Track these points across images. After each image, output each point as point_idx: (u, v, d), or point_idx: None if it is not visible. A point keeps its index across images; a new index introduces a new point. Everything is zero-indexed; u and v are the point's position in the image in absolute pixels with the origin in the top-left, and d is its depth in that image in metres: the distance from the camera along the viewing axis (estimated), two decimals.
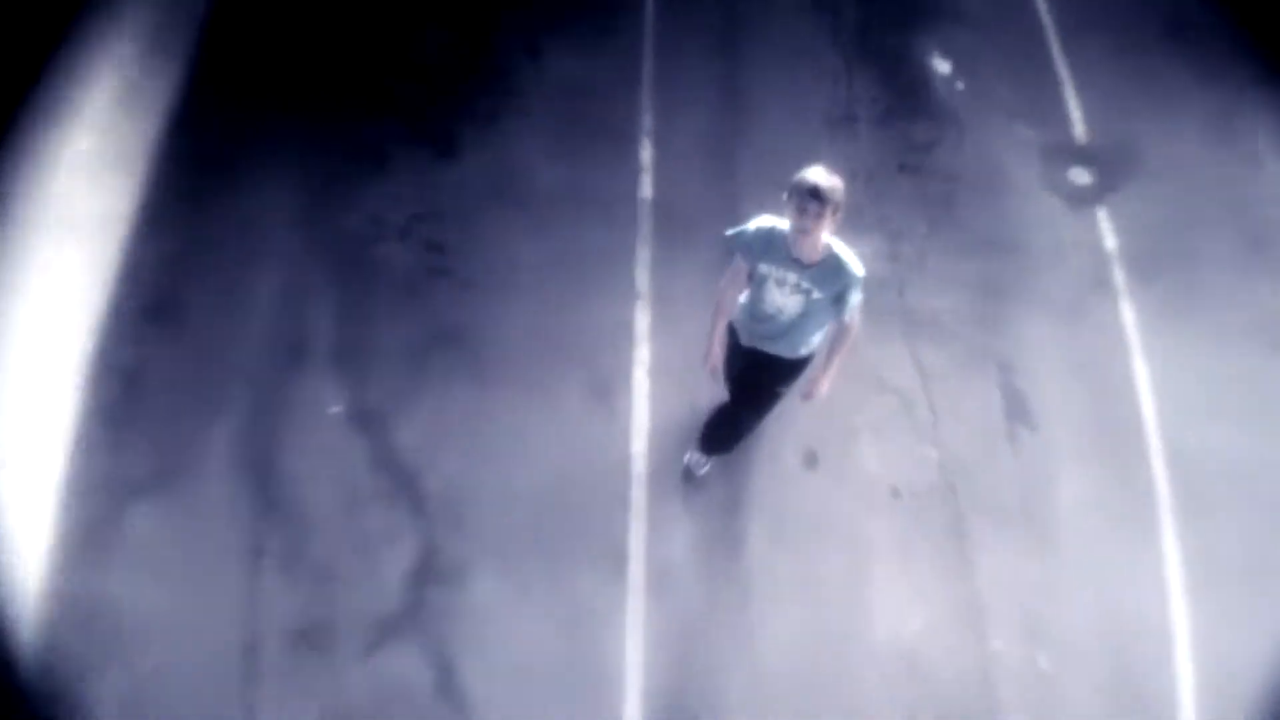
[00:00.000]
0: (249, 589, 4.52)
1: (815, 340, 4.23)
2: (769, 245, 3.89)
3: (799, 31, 6.58)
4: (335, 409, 4.97)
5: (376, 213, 5.62)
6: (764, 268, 3.93)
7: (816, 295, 3.90)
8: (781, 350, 4.23)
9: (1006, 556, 4.78)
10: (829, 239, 3.82)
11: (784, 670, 4.46)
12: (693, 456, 4.90)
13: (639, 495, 4.84)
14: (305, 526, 4.70)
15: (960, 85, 6.36)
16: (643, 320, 5.33)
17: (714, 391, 4.78)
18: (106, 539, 4.55)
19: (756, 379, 4.46)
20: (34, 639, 4.31)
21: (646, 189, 5.83)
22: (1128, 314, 5.51)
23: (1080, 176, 5.99)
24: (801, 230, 3.70)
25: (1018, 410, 5.14)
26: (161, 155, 5.62)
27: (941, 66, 6.45)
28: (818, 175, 3.66)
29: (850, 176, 5.78)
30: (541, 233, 5.58)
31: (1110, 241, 5.76)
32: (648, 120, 6.11)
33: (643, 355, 5.21)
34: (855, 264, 3.87)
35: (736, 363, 4.47)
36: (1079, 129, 6.21)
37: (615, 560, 4.68)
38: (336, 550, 4.66)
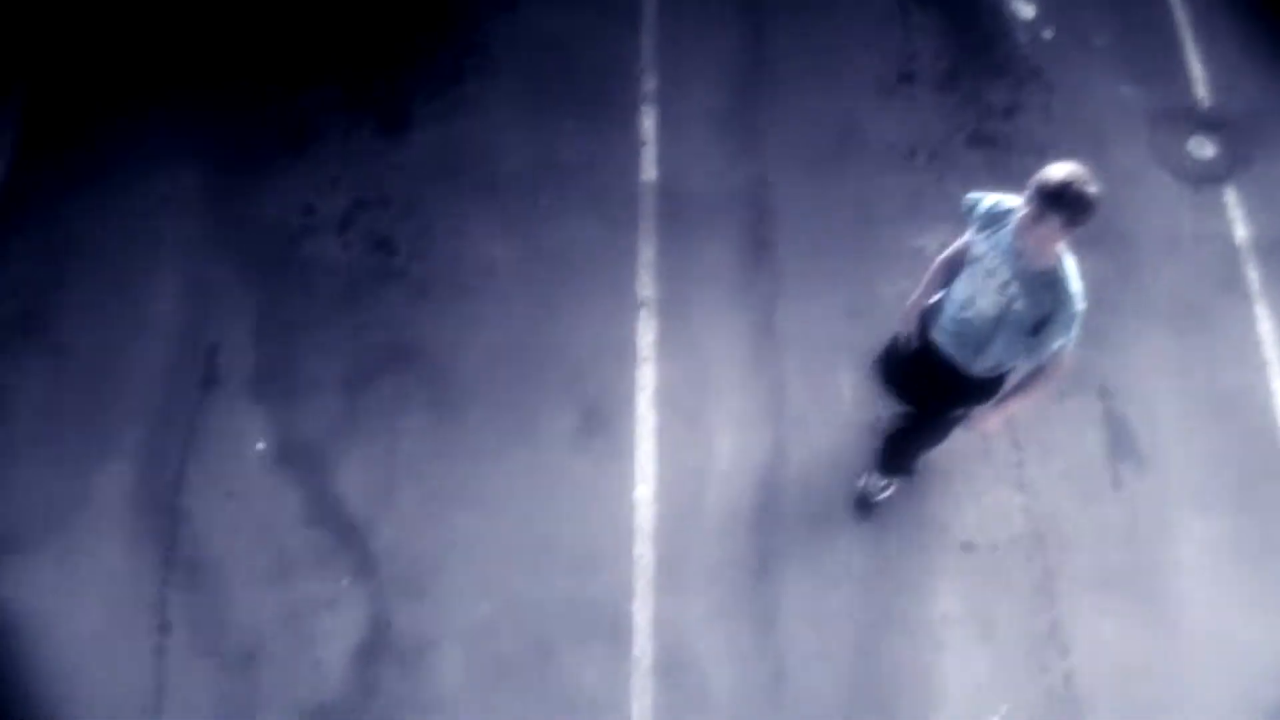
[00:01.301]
0: (153, 674, 5.15)
1: (996, 362, 4.84)
2: (998, 226, 4.52)
3: None
4: (259, 445, 5.64)
5: (307, 200, 6.36)
6: (981, 247, 4.57)
7: (1018, 307, 4.51)
8: (956, 354, 4.86)
9: (1107, 630, 5.42)
10: (1064, 252, 4.42)
11: None
12: (869, 480, 5.67)
13: (644, 553, 5.50)
14: (223, 593, 5.36)
15: (1048, 34, 7.13)
16: (646, 335, 6.03)
17: (740, 425, 5.55)
18: None
19: (926, 381, 5.10)
20: None
21: (650, 169, 6.56)
22: (1265, 323, 6.21)
23: (1202, 149, 6.74)
24: (1031, 232, 4.29)
25: (1124, 446, 5.86)
26: (26, 127, 6.40)
27: (1025, 9, 7.22)
28: (1066, 174, 4.17)
29: (908, 152, 6.72)
30: (517, 223, 6.34)
31: (1241, 231, 6.49)
32: (650, 81, 6.87)
33: (647, 378, 5.89)
34: (1077, 293, 4.44)
35: (912, 357, 5.12)
36: (1201, 90, 6.97)
37: (617, 636, 5.35)
38: (263, 623, 5.31)
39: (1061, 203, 4.14)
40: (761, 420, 5.90)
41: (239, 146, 6.54)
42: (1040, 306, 4.46)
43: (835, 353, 6.10)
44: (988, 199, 4.61)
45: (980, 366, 4.87)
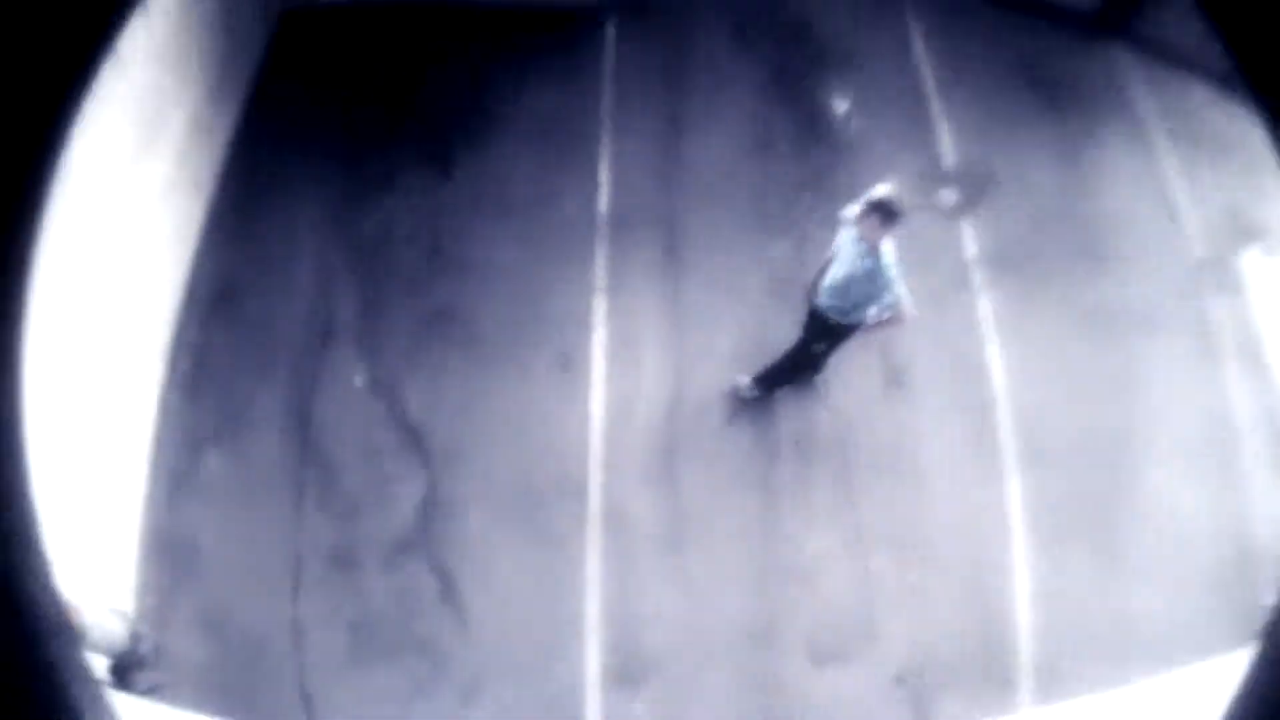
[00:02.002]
0: (294, 518, 8.10)
1: (853, 306, 7.53)
2: (852, 222, 7.30)
3: (731, 73, 10.57)
4: (358, 378, 8.59)
5: (389, 222, 9.33)
6: (845, 236, 7.40)
7: (859, 269, 7.18)
8: (829, 307, 7.70)
9: (884, 494, 8.68)
10: (887, 240, 7.10)
11: (711, 601, 8.18)
12: (744, 383, 8.73)
13: (596, 444, 8.57)
14: (336, 470, 8.30)
15: (854, 120, 10.40)
16: (599, 308, 9.11)
17: (658, 365, 8.78)
18: (186, 482, 8.11)
19: (818, 330, 8.06)
20: (126, 567, 7.77)
21: (604, 202, 9.66)
22: (985, 307, 9.53)
23: (948, 196, 10.04)
24: (861, 225, 7.10)
25: (894, 378, 9.12)
26: (223, 177, 9.27)
27: (840, 104, 10.49)
28: (885, 193, 6.99)
29: (764, 194, 10.01)
30: (518, 235, 9.35)
31: (971, 249, 9.81)
32: (605, 146, 9.99)
33: (600, 337, 8.98)
34: (889, 265, 7.10)
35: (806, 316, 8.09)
36: (949, 156, 10.26)
37: (578, 498, 8.35)
38: (361, 488, 8.25)
39: (879, 209, 6.92)
40: (673, 361, 8.95)
41: (350, 187, 9.48)
42: (866, 269, 7.18)
43: (719, 317, 9.16)
44: (849, 209, 7.32)
45: (842, 314, 7.59)
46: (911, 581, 8.36)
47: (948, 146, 10.32)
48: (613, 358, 8.94)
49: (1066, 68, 10.85)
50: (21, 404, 1.30)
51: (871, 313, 7.60)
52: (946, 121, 10.41)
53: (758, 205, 9.80)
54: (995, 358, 9.34)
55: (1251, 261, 10.40)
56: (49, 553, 1.35)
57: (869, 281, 7.30)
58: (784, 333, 8.68)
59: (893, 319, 7.57)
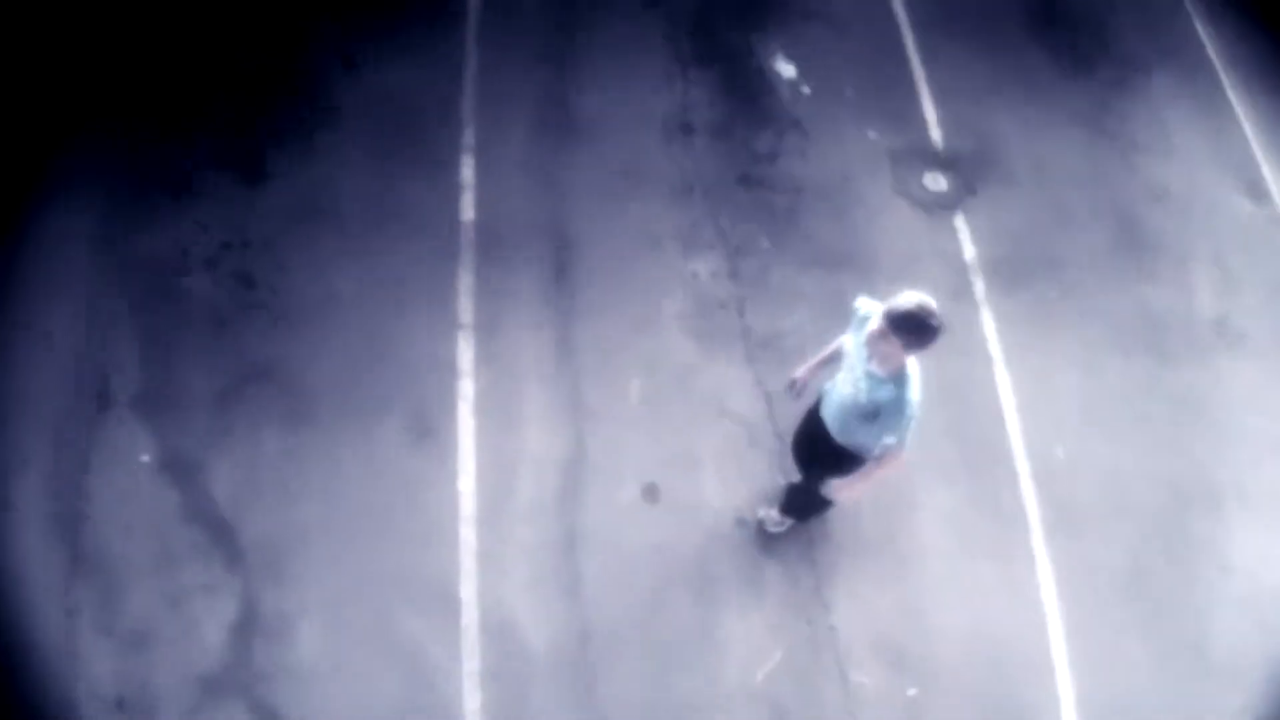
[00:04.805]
0: (64, 651, 6.06)
1: (859, 440, 5.75)
2: (863, 330, 5.44)
3: (631, 33, 8.59)
4: (144, 457, 6.59)
5: (182, 241, 7.34)
6: (851, 344, 5.56)
7: (861, 398, 5.50)
8: (830, 424, 5.85)
9: (863, 585, 6.58)
10: (910, 362, 5.35)
11: None
12: (768, 512, 6.72)
13: (468, 535, 6.53)
14: (119, 583, 6.30)
15: (806, 89, 8.38)
16: (466, 353, 7.10)
17: (545, 425, 6.71)
18: None
19: (808, 443, 6.14)
20: None
21: (468, 209, 7.68)
22: (989, 326, 7.47)
23: (936, 182, 8.03)
24: (876, 345, 5.25)
25: None
26: None
27: (786, 69, 8.49)
28: (913, 305, 5.04)
29: (685, 190, 7.91)
30: (357, 259, 7.37)
31: (969, 250, 7.75)
32: (469, 134, 8.01)
33: (467, 390, 6.95)
34: (910, 401, 5.36)
35: (805, 423, 6.19)
36: (935, 132, 8.26)
37: (448, 604, 6.35)
38: (153, 607, 6.25)
39: (904, 328, 5.02)
40: (563, 420, 6.93)
41: (126, 194, 7.47)
42: (875, 402, 5.38)
43: (624, 359, 7.18)
44: (865, 307, 5.49)
45: (846, 440, 5.79)
46: (909, 701, 6.37)
47: (932, 118, 8.37)
48: (485, 417, 6.94)
49: (1090, 8, 8.96)
50: None
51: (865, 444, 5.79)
52: (930, 84, 8.52)
53: (675, 209, 7.91)
54: (1005, 393, 7.34)
55: None
56: None
57: (873, 414, 5.54)
58: (715, 377, 6.96)
59: (886, 460, 5.69)
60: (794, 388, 6.15)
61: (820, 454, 6.03)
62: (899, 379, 5.32)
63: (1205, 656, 6.66)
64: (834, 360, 5.89)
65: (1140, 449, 7.30)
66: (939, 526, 6.87)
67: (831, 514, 6.64)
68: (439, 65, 8.38)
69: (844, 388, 5.64)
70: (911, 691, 6.37)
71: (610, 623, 6.46)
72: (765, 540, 6.76)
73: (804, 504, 6.64)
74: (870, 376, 5.38)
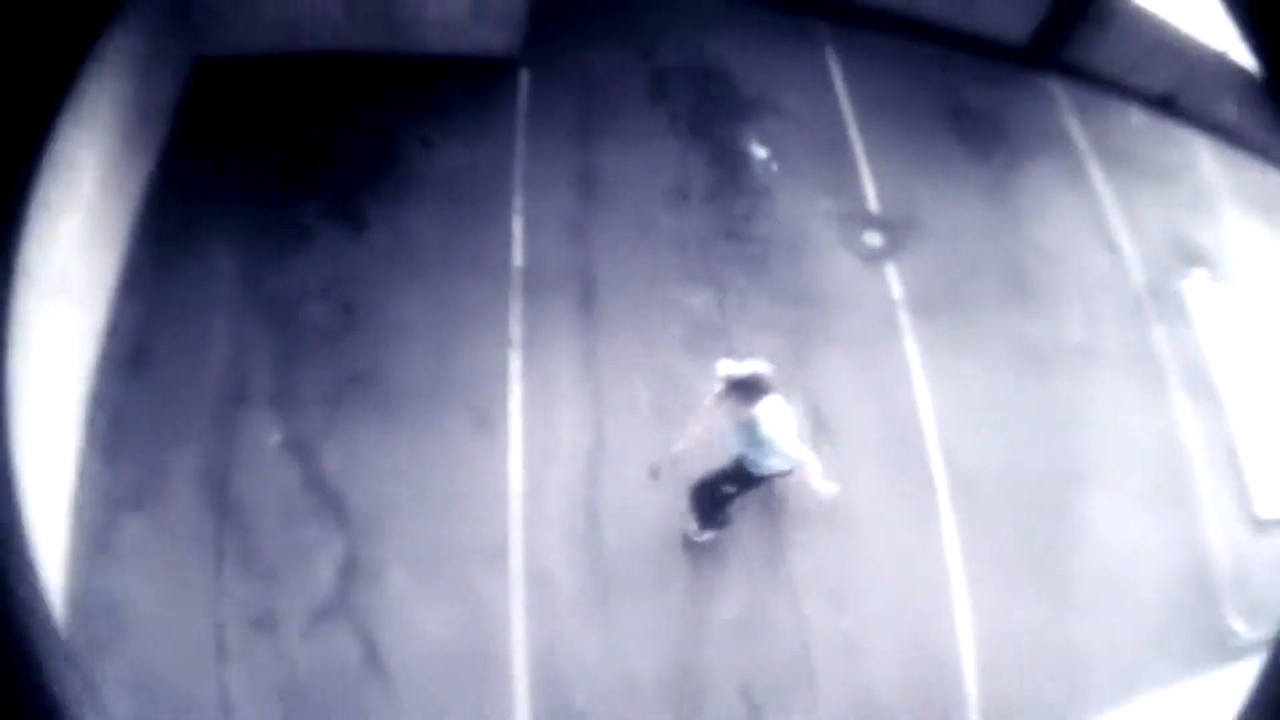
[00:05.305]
0: (215, 582, 7.75)
1: (750, 463, 7.36)
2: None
3: (642, 122, 10.49)
4: (273, 439, 8.34)
5: (303, 278, 9.07)
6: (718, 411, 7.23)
7: (737, 441, 7.20)
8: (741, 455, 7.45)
9: (813, 541, 8.45)
10: (759, 409, 6.79)
11: (640, 655, 7.89)
12: (688, 526, 8.32)
13: (515, 504, 8.31)
14: (255, 533, 7.96)
15: (774, 166, 10.29)
16: (515, 364, 8.89)
17: (574, 420, 8.56)
18: (107, 544, 7.80)
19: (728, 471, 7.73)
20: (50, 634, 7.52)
21: (518, 256, 9.53)
22: (911, 349, 9.37)
23: (873, 239, 9.92)
24: (721, 405, 7.01)
25: (822, 427, 8.90)
26: (136, 230, 8.99)
27: (759, 151, 10.37)
28: (744, 373, 6.69)
29: (683, 241, 9.88)
30: (433, 292, 9.15)
31: (897, 290, 9.65)
32: (518, 199, 9.87)
33: (515, 392, 8.77)
34: (765, 436, 6.86)
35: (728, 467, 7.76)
36: (872, 200, 10.13)
37: (500, 555, 8.08)
38: (280, 552, 7.92)
39: (737, 390, 6.75)
40: (588, 417, 8.72)
41: (263, 243, 9.16)
42: (744, 442, 7.17)
43: (636, 371, 8.97)
44: (723, 369, 6.89)
45: (747, 464, 7.41)
46: (848, 629, 8.15)
47: (870, 189, 10.21)
48: (530, 414, 8.71)
49: (993, 103, 10.83)
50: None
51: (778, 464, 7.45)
52: (869, 164, 10.32)
53: (675, 256, 9.66)
54: (924, 400, 9.20)
55: (1195, 288, 10.39)
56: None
57: (759, 454, 7.23)
58: (706, 385, 8.26)
59: (804, 472, 7.29)
60: (656, 473, 7.75)
61: (731, 475, 7.73)
62: (753, 427, 6.96)
63: (1069, 594, 8.49)
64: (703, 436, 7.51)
65: (1025, 440, 9.16)
66: (871, 499, 8.61)
67: (787, 490, 8.29)
68: (496, 146, 10.18)
69: (732, 445, 7.34)
70: (847, 621, 8.12)
71: (623, 571, 8.14)
72: (696, 544, 8.31)
73: (702, 500, 8.06)
74: (734, 432, 7.17)
